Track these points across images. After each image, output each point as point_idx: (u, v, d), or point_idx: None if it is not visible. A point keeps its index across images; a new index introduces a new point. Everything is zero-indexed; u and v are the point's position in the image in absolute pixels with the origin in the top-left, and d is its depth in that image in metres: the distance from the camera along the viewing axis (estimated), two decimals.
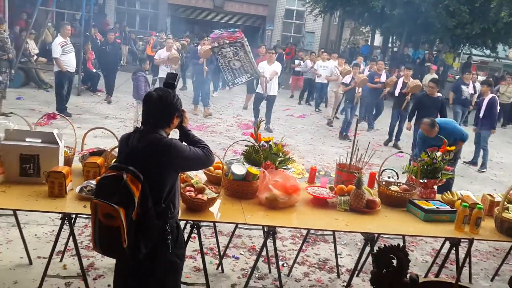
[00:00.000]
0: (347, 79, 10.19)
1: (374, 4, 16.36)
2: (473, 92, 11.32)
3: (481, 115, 8.49)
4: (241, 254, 4.30)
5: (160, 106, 2.41)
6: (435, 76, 15.90)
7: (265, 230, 3.36)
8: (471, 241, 2.54)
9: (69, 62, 8.82)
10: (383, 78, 10.79)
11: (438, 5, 15.93)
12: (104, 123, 8.52)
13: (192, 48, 11.10)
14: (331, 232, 4.13)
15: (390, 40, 21.97)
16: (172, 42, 10.77)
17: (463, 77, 11.86)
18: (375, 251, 2.24)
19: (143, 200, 2.28)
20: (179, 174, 2.56)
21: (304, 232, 4.39)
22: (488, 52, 20.87)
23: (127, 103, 10.66)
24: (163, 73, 9.79)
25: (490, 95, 8.54)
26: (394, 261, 2.15)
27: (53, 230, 4.29)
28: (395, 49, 21.66)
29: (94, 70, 12.08)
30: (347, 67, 10.91)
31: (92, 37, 13.73)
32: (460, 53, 23.31)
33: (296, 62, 14.89)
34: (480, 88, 10.34)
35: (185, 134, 2.64)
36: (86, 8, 14.24)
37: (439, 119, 6.30)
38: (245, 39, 8.39)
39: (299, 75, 14.59)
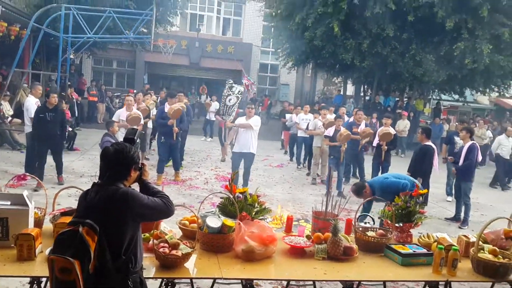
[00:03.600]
0: (330, 132, 9.53)
1: (344, 57, 16.96)
2: None
3: (460, 162, 7.91)
4: None
5: (116, 160, 2.46)
6: (407, 122, 16.40)
7: (243, 283, 3.29)
8: (447, 283, 2.53)
9: None
10: (362, 128, 10.08)
11: (405, 55, 16.64)
12: (79, 182, 8.39)
13: (160, 107, 9.86)
14: (312, 282, 4.06)
15: (362, 89, 22.67)
16: (131, 100, 9.41)
17: (457, 127, 10.57)
18: None
19: (100, 252, 2.28)
20: (140, 225, 2.54)
21: (285, 283, 4.30)
22: (456, 97, 21.69)
23: None
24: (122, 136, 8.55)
25: (470, 142, 7.93)
26: None
27: None
28: (367, 97, 22.32)
29: (70, 129, 12.04)
30: (330, 117, 10.22)
31: (68, 96, 13.80)
32: (430, 98, 24.15)
33: (287, 116, 13.94)
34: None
35: (145, 186, 2.68)
36: (62, 69, 14.42)
37: (372, 179, 6.49)
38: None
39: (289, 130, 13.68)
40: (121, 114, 9.12)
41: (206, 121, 16.14)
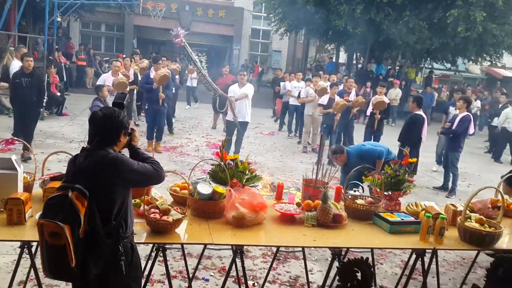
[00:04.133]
0: (324, 100, 9.59)
1: (337, 23, 16.72)
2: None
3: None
4: (211, 275, 4.24)
5: (105, 124, 2.42)
6: (399, 90, 16.38)
7: (233, 249, 3.33)
8: (434, 251, 2.58)
9: None
10: (352, 96, 10.01)
11: (398, 22, 16.45)
12: (69, 147, 8.33)
13: (146, 72, 9.53)
14: (301, 248, 4.13)
15: (354, 56, 22.49)
16: (119, 65, 9.17)
17: (455, 96, 10.12)
18: (339, 265, 2.25)
19: (90, 216, 2.27)
20: (130, 191, 2.54)
21: (275, 250, 4.37)
22: (448, 65, 21.63)
23: None
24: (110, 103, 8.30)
25: (465, 113, 7.82)
26: (359, 274, 2.16)
27: (14, 260, 4.08)
28: (359, 65, 22.17)
29: (58, 94, 11.88)
30: (322, 84, 10.11)
31: (55, 60, 13.52)
32: (422, 67, 24.06)
33: (282, 84, 13.58)
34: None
35: (135, 152, 2.65)
36: (49, 32, 14.05)
37: (350, 147, 6.48)
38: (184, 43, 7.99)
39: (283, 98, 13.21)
40: (106, 79, 8.85)
41: (188, 89, 15.24)
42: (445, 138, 8.67)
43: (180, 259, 4.37)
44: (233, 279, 4.01)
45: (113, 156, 2.38)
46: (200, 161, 3.89)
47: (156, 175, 2.53)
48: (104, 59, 20.48)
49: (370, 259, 3.80)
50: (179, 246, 3.92)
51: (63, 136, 9.41)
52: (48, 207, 2.23)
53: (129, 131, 2.58)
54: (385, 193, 3.87)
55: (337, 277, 2.35)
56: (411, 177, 4.03)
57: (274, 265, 4.28)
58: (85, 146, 2.46)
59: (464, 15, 15.41)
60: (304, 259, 4.09)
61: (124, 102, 2.58)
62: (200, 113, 14.50)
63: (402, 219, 3.48)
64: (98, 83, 8.81)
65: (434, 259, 3.25)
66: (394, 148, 8.42)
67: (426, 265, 3.27)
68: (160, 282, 3.96)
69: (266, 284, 4.11)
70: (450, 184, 8.01)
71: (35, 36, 16.14)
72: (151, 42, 27.24)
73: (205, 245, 3.66)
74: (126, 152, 2.62)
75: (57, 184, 3.27)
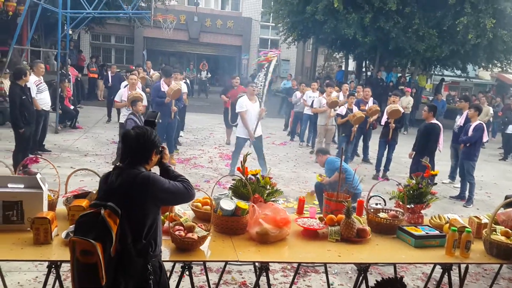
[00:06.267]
0: (342, 110, 9.54)
1: (346, 32, 16.73)
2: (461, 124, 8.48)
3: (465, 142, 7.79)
4: None
5: (138, 144, 2.45)
6: (410, 98, 16.32)
7: (258, 266, 3.31)
8: (466, 267, 2.54)
9: (44, 100, 8.62)
10: (370, 105, 9.88)
11: (407, 30, 16.44)
12: (84, 160, 8.39)
13: (155, 85, 9.22)
14: (323, 263, 4.10)
15: (364, 64, 22.47)
16: (135, 79, 8.96)
17: (458, 105, 9.61)
18: (373, 283, 2.23)
19: (122, 235, 2.29)
20: (160, 210, 2.54)
21: (295, 263, 4.34)
22: (458, 72, 21.53)
23: (106, 139, 10.55)
24: (123, 118, 8.00)
25: (477, 121, 7.74)
26: None
27: (36, 277, 4.14)
28: (368, 73, 22.14)
29: (72, 107, 11.98)
30: (334, 96, 10.05)
31: (68, 74, 13.65)
32: (432, 74, 23.99)
33: (294, 94, 13.26)
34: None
35: (165, 170, 2.67)
36: (62, 45, 14.22)
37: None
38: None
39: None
40: (123, 94, 8.64)
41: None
42: (456, 149, 8.62)
43: (200, 274, 4.36)
44: None
45: (145, 175, 2.40)
46: (224, 176, 3.89)
47: (187, 194, 2.54)
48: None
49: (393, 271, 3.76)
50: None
51: (78, 150, 9.47)
52: (80, 225, 2.24)
53: (160, 149, 2.59)
54: (408, 206, 3.84)
55: None
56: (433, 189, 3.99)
57: (294, 279, 4.25)
58: (117, 164, 2.49)
59: (474, 23, 15.38)
60: (326, 273, 4.06)
61: (156, 121, 2.61)
62: (211, 124, 14.53)
63: (427, 233, 3.45)
64: (116, 98, 8.85)
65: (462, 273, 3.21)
66: (406, 156, 8.40)
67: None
68: None
69: None
70: (467, 193, 7.92)
71: (48, 50, 16.32)
72: (161, 53, 27.48)
73: (228, 262, 3.64)
74: (155, 169, 2.64)
75: (81, 202, 3.30)
